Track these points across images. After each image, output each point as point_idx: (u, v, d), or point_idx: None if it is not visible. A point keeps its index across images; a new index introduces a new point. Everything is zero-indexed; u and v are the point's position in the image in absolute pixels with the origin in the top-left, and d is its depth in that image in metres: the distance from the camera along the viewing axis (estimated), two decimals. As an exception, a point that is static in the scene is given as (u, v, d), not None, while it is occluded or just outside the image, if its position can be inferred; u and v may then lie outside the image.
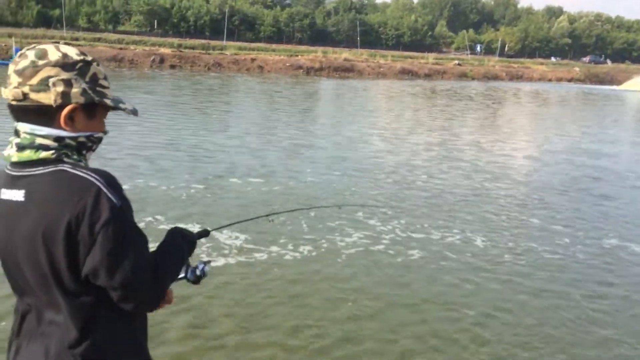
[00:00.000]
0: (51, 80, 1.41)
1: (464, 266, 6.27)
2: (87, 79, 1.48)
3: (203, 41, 55.22)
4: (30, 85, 1.41)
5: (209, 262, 1.96)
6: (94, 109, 1.52)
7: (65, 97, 1.43)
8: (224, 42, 55.75)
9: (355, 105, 24.48)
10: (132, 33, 62.25)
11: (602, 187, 10.86)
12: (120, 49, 40.80)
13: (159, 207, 7.52)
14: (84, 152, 1.52)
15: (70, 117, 1.45)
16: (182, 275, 1.85)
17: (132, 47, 43.08)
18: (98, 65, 1.53)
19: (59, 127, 1.45)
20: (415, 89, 36.46)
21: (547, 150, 15.12)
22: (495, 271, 6.18)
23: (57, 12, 61.10)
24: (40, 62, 1.41)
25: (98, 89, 1.51)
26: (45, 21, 60.70)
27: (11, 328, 1.59)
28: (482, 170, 11.65)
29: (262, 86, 30.79)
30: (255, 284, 5.44)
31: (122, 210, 1.42)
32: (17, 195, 1.43)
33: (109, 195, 1.40)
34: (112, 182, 1.43)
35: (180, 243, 1.73)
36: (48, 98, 1.41)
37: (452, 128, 18.65)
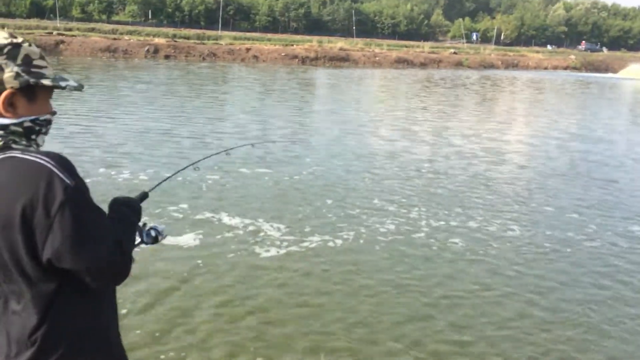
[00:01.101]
0: None
1: (508, 254, 6.31)
2: (18, 61, 1.43)
3: (198, 31, 54.88)
4: None
5: (145, 223, 1.96)
6: (34, 91, 1.48)
7: None
8: (219, 32, 55.41)
9: (351, 95, 24.43)
10: (126, 23, 61.83)
11: (605, 172, 11.03)
12: (114, 39, 40.51)
13: (186, 198, 7.55)
14: (32, 136, 1.50)
15: (10, 104, 1.43)
16: (138, 240, 1.86)
17: (126, 37, 42.79)
18: (30, 45, 1.48)
19: (1, 116, 1.42)
20: (411, 78, 36.36)
21: (546, 137, 15.18)
22: (540, 260, 6.23)
23: (50, 2, 60.69)
24: None
25: (33, 70, 1.46)
26: (38, 11, 60.32)
27: None
28: (484, 158, 11.74)
29: (256, 75, 30.68)
30: (308, 272, 5.55)
31: (77, 190, 1.41)
32: None
33: (62, 176, 1.38)
34: (64, 163, 1.41)
35: (126, 212, 1.73)
36: None
37: (449, 116, 18.65)
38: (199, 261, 5.59)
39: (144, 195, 2.01)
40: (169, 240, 5.88)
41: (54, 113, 1.57)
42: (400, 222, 7.17)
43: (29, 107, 1.47)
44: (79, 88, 1.58)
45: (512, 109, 23.42)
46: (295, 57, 44.19)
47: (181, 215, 6.85)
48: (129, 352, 3.91)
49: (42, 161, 1.38)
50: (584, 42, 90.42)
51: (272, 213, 7.15)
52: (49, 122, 1.55)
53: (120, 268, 1.53)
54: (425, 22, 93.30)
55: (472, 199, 8.45)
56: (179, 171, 2.81)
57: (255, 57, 42.81)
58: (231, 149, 3.87)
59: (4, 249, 1.39)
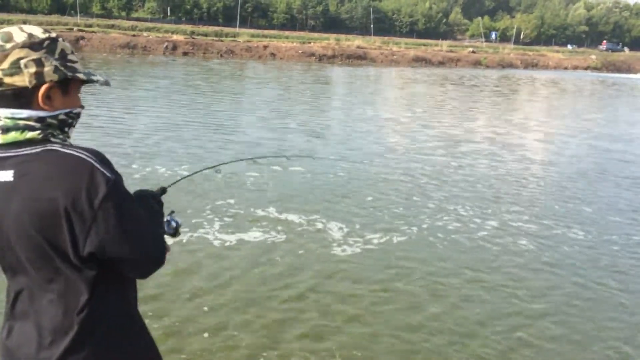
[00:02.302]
0: (22, 62, 1.41)
1: (579, 257, 6.24)
2: (56, 55, 1.47)
3: (216, 28, 55.20)
4: (2, 70, 1.41)
5: (172, 212, 2.00)
6: (68, 85, 1.52)
7: (39, 77, 1.43)
8: (237, 29, 55.64)
9: (370, 93, 24.33)
10: (145, 20, 62.36)
11: (634, 171, 11.01)
12: (134, 35, 40.89)
13: (231, 195, 7.59)
14: (66, 129, 1.54)
15: (47, 97, 1.46)
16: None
17: (145, 33, 43.17)
18: (64, 40, 1.52)
19: (38, 108, 1.45)
20: (429, 76, 36.14)
21: (570, 137, 15.03)
22: (618, 264, 6.14)
23: (71, -2, 61.36)
24: (8, 46, 1.41)
25: (68, 64, 1.50)
26: (59, 8, 61.06)
27: (4, 310, 1.60)
28: (509, 157, 11.67)
29: (274, 73, 30.73)
30: (380, 269, 5.59)
31: (117, 184, 1.45)
32: (5, 175, 1.43)
33: (103, 170, 1.43)
34: (103, 159, 1.46)
35: (155, 205, 1.81)
36: (22, 80, 1.41)
37: (470, 115, 18.46)
38: (276, 257, 5.65)
39: (164, 190, 2.05)
40: (234, 236, 6.06)
41: (82, 107, 1.62)
42: (454, 219, 7.19)
43: (63, 100, 1.52)
44: (107, 83, 1.64)
45: (534, 108, 23.13)
46: (313, 54, 44.19)
47: (240, 211, 6.90)
48: (208, 344, 4.01)
49: (83, 156, 1.43)
50: (605, 41, 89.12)
51: (325, 210, 7.19)
52: (79, 115, 1.59)
53: (157, 257, 1.59)
54: (444, 20, 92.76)
55: (514, 198, 8.41)
56: (199, 171, 2.88)
57: (273, 54, 42.88)
58: (259, 158, 3.88)
59: (40, 237, 1.42)
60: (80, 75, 1.52)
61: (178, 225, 1.94)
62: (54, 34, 1.49)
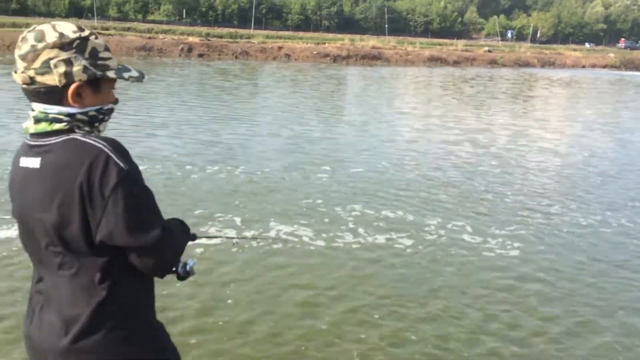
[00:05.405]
0: (52, 62, 1.46)
1: None
2: (86, 55, 1.51)
3: (231, 30, 55.42)
4: (34, 69, 1.47)
5: (186, 261, 1.92)
6: (99, 83, 1.57)
7: (68, 76, 1.48)
8: (252, 31, 55.81)
9: (389, 93, 24.20)
10: (161, 22, 62.86)
11: None
12: (150, 38, 41.14)
13: (315, 193, 7.70)
14: (96, 124, 1.59)
15: (77, 94, 1.52)
16: (173, 268, 1.81)
17: (161, 36, 43.42)
18: (96, 38, 1.55)
19: (69, 105, 1.51)
20: (447, 77, 35.88)
21: (601, 133, 15.12)
22: None
23: (88, 2, 62.14)
24: (39, 45, 1.46)
25: (99, 62, 1.54)
26: (76, 11, 61.82)
27: (29, 296, 1.68)
28: (545, 153, 11.83)
29: (288, 72, 30.73)
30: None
31: (130, 174, 1.49)
32: (33, 162, 1.51)
33: (116, 160, 1.46)
34: (119, 148, 1.50)
35: (185, 230, 1.82)
36: (53, 79, 1.48)
37: (496, 114, 18.22)
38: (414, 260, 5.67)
39: (193, 237, 1.97)
40: (348, 238, 6.06)
41: (116, 101, 1.66)
42: (544, 215, 7.33)
43: (94, 97, 1.57)
44: (140, 78, 1.65)
45: (557, 107, 22.90)
46: (327, 55, 44.10)
47: (308, 208, 6.97)
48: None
49: (98, 144, 1.48)
50: (622, 39, 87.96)
51: (420, 211, 7.20)
52: (111, 111, 1.64)
53: (164, 253, 1.59)
54: (459, 19, 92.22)
55: (589, 196, 8.52)
56: (230, 238, 2.99)
57: (287, 55, 42.89)
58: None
59: (60, 223, 1.48)
60: (110, 74, 1.57)
61: (191, 272, 1.85)
62: (86, 32, 1.53)
